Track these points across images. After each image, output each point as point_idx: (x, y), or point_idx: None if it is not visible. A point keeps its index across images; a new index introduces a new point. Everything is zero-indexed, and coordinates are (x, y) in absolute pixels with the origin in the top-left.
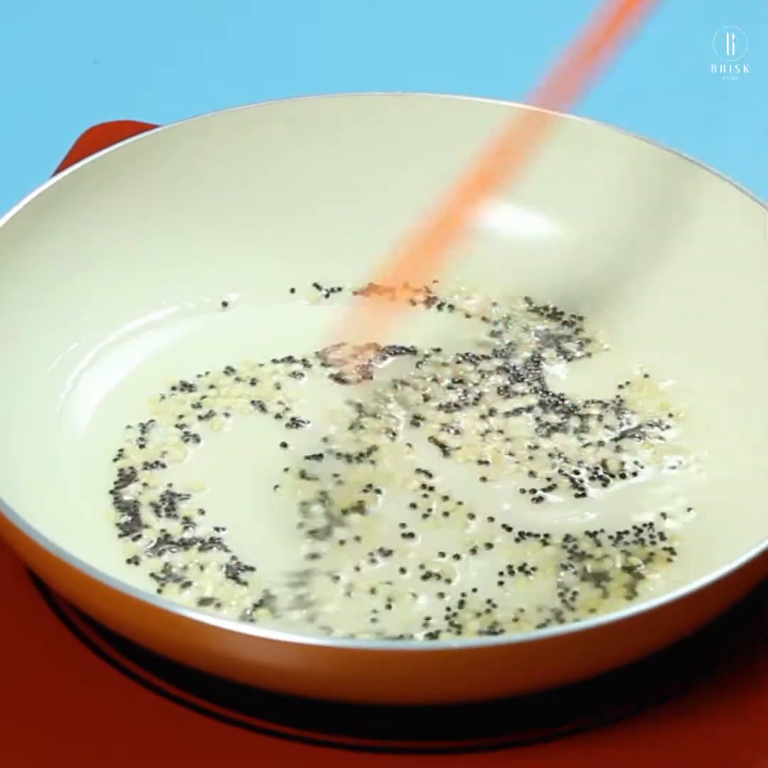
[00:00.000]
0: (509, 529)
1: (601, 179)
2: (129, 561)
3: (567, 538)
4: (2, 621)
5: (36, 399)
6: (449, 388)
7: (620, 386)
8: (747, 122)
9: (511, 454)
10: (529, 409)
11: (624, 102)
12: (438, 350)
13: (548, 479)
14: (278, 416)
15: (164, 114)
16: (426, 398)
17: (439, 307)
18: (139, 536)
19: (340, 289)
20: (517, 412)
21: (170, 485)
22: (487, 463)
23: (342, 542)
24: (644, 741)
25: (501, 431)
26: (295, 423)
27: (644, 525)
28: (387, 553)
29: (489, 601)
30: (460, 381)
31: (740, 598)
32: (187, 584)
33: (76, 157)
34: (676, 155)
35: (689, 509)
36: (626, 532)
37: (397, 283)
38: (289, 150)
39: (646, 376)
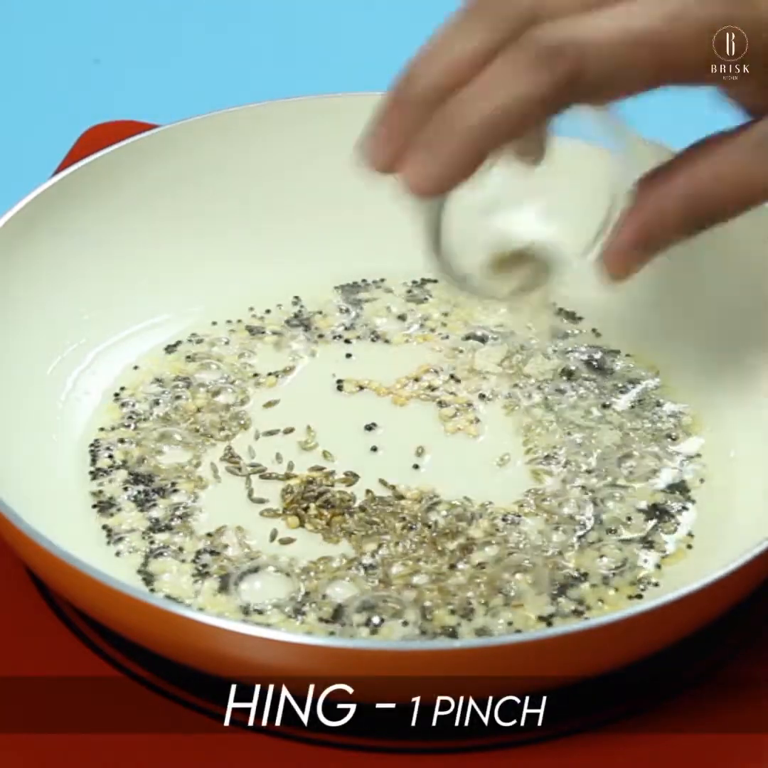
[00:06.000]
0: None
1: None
2: (121, 554)
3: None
4: (2, 621)
5: (36, 399)
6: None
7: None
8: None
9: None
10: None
11: (623, 102)
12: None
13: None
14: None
15: (164, 114)
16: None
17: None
18: (141, 536)
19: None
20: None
21: (170, 484)
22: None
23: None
24: (642, 741)
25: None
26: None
27: (649, 523)
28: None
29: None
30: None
31: (741, 598)
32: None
33: (76, 157)
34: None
35: (688, 507)
36: (630, 528)
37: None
38: (290, 150)
39: (657, 373)
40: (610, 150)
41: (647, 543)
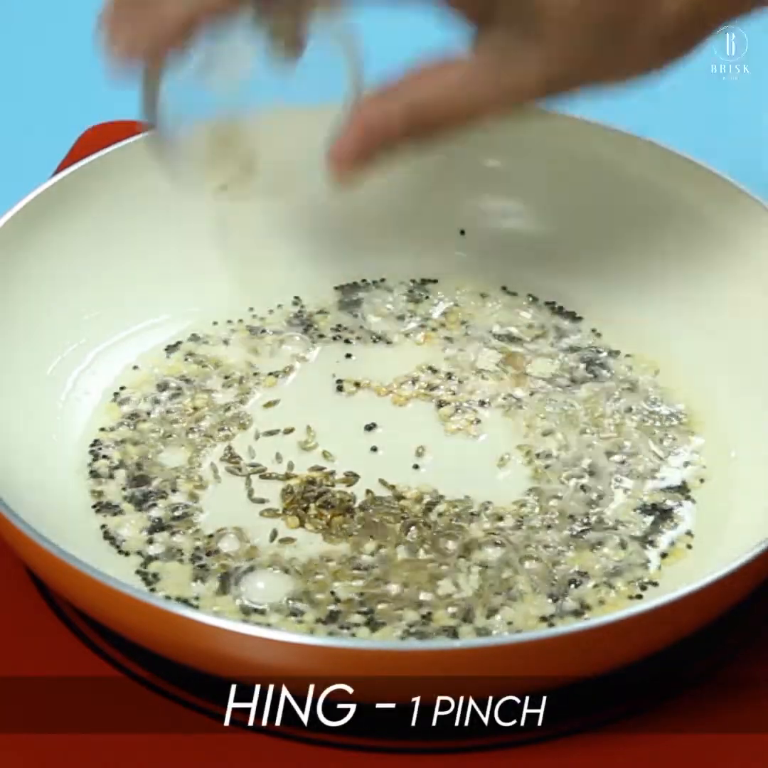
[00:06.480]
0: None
1: (600, 179)
2: (121, 553)
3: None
4: (2, 621)
5: (36, 399)
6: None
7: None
8: (747, 122)
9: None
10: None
11: (624, 102)
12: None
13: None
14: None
15: None
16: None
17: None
18: (140, 536)
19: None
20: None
21: (170, 484)
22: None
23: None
24: (642, 741)
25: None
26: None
27: (648, 523)
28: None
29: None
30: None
31: (741, 598)
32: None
33: (76, 157)
34: (674, 155)
35: (688, 507)
36: (630, 525)
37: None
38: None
39: (656, 373)
40: (343, 55)
41: (647, 542)
